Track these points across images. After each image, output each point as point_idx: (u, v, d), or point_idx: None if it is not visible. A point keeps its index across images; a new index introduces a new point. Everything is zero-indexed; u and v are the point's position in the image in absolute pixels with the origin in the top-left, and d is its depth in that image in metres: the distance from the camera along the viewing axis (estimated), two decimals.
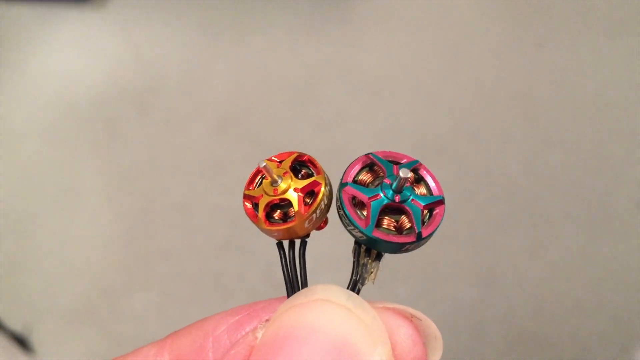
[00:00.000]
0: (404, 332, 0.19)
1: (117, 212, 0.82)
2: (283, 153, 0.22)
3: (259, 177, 0.23)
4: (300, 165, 0.22)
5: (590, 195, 0.77)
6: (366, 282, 0.21)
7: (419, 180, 0.22)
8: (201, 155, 0.85)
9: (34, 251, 0.80)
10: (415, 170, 0.22)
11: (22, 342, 0.73)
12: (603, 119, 0.82)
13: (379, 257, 0.21)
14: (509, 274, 0.73)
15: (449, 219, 0.81)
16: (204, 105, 0.90)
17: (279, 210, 0.22)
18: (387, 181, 0.21)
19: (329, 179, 0.22)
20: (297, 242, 0.22)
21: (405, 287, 0.72)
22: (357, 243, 0.21)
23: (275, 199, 0.21)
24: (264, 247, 0.74)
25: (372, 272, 0.21)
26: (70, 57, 0.97)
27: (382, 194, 0.21)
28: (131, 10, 1.00)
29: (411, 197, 0.21)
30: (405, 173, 0.20)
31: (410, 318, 0.19)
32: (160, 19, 1.00)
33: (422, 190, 0.21)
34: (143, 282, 0.77)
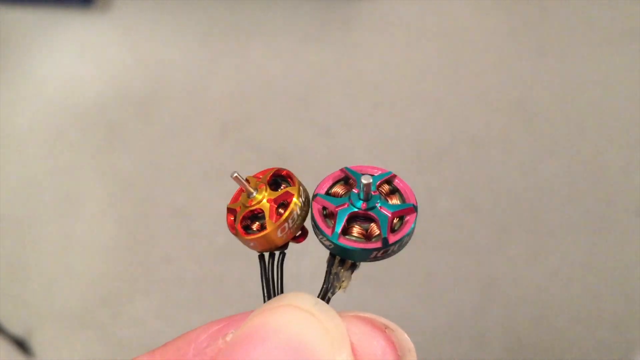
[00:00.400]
0: (375, 343, 0.19)
1: (119, 216, 0.82)
2: (263, 170, 0.24)
3: (242, 192, 0.24)
4: (281, 180, 0.23)
5: (590, 204, 0.77)
6: (337, 290, 0.21)
7: (393, 191, 0.22)
8: (202, 161, 0.85)
9: (36, 255, 0.80)
10: (389, 182, 0.22)
11: (22, 345, 0.73)
12: (604, 128, 0.83)
13: (353, 267, 0.22)
14: (509, 282, 0.73)
15: (449, 226, 0.81)
16: (206, 111, 0.90)
17: (257, 223, 0.22)
18: (355, 191, 0.21)
19: (305, 192, 0.23)
20: (277, 254, 0.23)
21: (404, 293, 0.72)
22: (332, 254, 0.22)
23: (251, 210, 0.22)
24: None
25: (343, 281, 0.21)
26: (73, 62, 0.98)
27: (349, 203, 0.21)
28: (135, 16, 1.01)
29: (379, 205, 0.21)
30: (366, 179, 0.20)
31: (383, 329, 0.19)
32: (164, 24, 1.00)
33: (395, 201, 0.22)
34: (143, 287, 0.77)
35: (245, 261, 0.76)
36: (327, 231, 0.21)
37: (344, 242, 0.21)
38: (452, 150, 0.82)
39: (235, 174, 0.22)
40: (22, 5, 1.02)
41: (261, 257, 0.23)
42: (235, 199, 0.24)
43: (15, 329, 0.73)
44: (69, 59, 0.98)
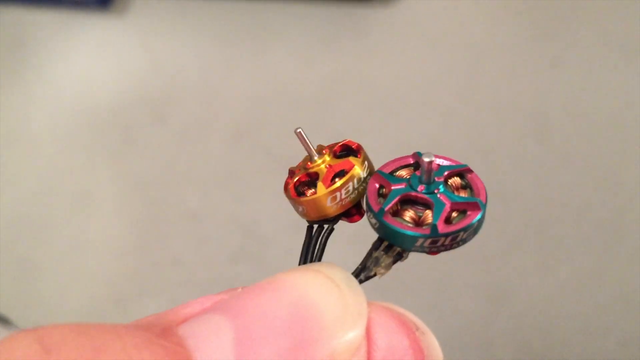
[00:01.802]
0: (398, 342, 0.17)
1: (131, 218, 0.83)
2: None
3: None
4: (349, 153, 0.22)
5: (602, 217, 0.77)
6: (371, 274, 0.20)
7: (465, 186, 0.21)
8: (215, 165, 0.86)
9: (49, 254, 0.80)
10: (461, 176, 0.21)
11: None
12: (617, 140, 0.82)
13: (398, 256, 0.20)
14: (519, 292, 0.73)
15: None
16: (219, 115, 0.90)
17: (313, 190, 0.21)
18: (417, 173, 0.20)
19: (371, 168, 0.21)
20: (325, 227, 0.22)
21: (413, 298, 0.72)
22: (379, 238, 0.20)
23: (307, 173, 0.21)
24: (276, 257, 0.74)
25: (382, 267, 0.20)
26: (89, 64, 0.99)
27: (407, 184, 0.20)
28: (151, 19, 1.02)
29: (440, 192, 0.20)
30: (428, 157, 0.19)
31: (413, 329, 0.18)
32: (180, 28, 1.01)
33: (462, 194, 0.20)
34: (154, 288, 0.77)
35: (255, 265, 0.76)
36: (375, 207, 0.19)
37: (389, 221, 0.19)
38: (464, 159, 0.82)
39: (299, 129, 0.21)
40: (39, 6, 1.03)
41: (309, 228, 0.22)
42: (300, 163, 0.23)
43: (26, 326, 0.74)
44: (85, 60, 0.99)
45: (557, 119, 0.85)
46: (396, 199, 0.19)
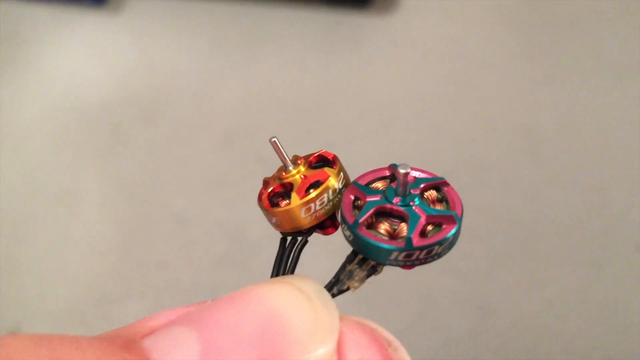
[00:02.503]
0: (370, 358, 0.16)
1: (117, 218, 0.82)
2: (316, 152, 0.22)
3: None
4: (325, 164, 0.22)
5: (590, 236, 0.77)
6: (344, 287, 0.19)
7: (441, 200, 0.20)
8: (204, 168, 0.85)
9: (30, 252, 0.79)
10: (437, 189, 0.21)
11: None
12: (607, 160, 0.83)
13: (372, 270, 0.20)
14: (505, 309, 0.72)
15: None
16: (210, 119, 0.90)
17: (287, 200, 0.21)
18: (393, 185, 0.20)
19: (346, 180, 0.21)
20: (299, 239, 0.21)
21: (399, 315, 0.71)
22: (353, 251, 0.20)
23: (282, 184, 0.21)
24: (262, 264, 0.74)
25: (355, 281, 0.19)
26: (81, 61, 0.98)
27: (382, 196, 0.19)
28: (146, 19, 1.01)
29: (416, 204, 0.19)
30: (404, 168, 0.18)
31: (385, 345, 0.17)
32: (175, 29, 1.01)
33: (439, 208, 0.20)
34: (137, 290, 0.76)
35: (241, 272, 0.75)
36: (349, 219, 0.19)
37: (363, 233, 0.19)
38: (453, 173, 0.82)
39: (274, 139, 0.21)
40: (32, 1, 1.02)
41: (283, 240, 0.22)
42: (275, 173, 0.22)
43: (4, 323, 0.73)
44: (77, 57, 0.98)
45: (547, 136, 0.85)
46: (371, 211, 0.19)
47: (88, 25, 1.01)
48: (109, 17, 1.01)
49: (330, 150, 0.23)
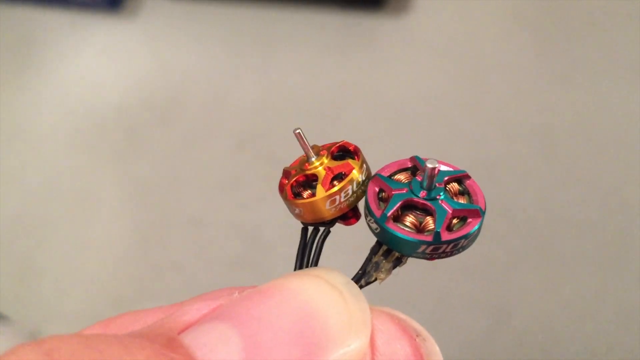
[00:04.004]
0: (399, 347, 0.17)
1: (133, 221, 0.83)
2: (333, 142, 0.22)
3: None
4: (346, 154, 0.22)
5: (607, 236, 0.76)
6: (372, 279, 0.20)
7: (462, 192, 0.21)
8: (219, 171, 0.85)
9: (48, 255, 0.80)
10: (459, 181, 0.21)
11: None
12: (623, 160, 0.82)
13: (397, 262, 0.20)
14: (522, 310, 0.72)
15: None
16: (225, 121, 0.90)
17: (309, 191, 0.21)
18: (418, 178, 0.20)
19: (368, 172, 0.21)
20: (321, 230, 0.21)
21: (415, 315, 0.71)
22: (378, 242, 0.20)
23: (306, 175, 0.21)
24: (277, 265, 0.74)
25: (382, 272, 0.20)
26: (97, 65, 0.99)
27: (408, 189, 0.19)
28: (161, 23, 1.02)
29: (441, 198, 0.19)
30: (432, 163, 0.19)
31: (413, 335, 0.17)
32: (189, 33, 1.01)
33: (461, 201, 0.20)
34: (153, 292, 0.77)
35: (256, 273, 0.76)
36: (377, 212, 0.19)
37: (391, 227, 0.19)
38: (469, 173, 0.81)
39: (298, 130, 0.20)
40: (48, 6, 1.03)
41: (304, 229, 0.21)
42: (295, 163, 0.22)
43: (25, 325, 0.73)
44: (93, 61, 0.99)
45: (563, 136, 0.85)
46: (398, 205, 0.19)
47: (103, 29, 1.02)
48: (124, 21, 1.02)
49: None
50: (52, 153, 0.89)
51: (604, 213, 0.78)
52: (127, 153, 0.88)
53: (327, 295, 0.16)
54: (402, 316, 0.18)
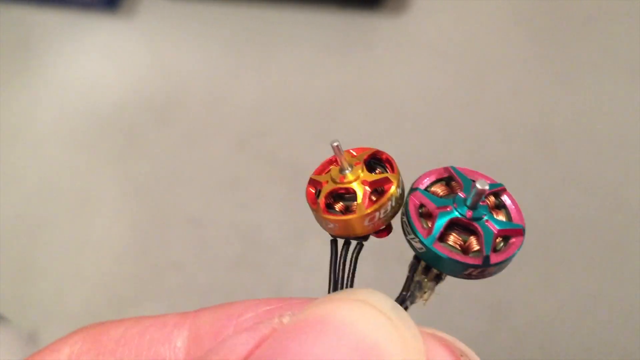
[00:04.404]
0: None
1: (132, 221, 0.82)
2: (363, 148, 0.21)
3: (331, 166, 0.21)
4: (376, 163, 0.21)
5: (605, 236, 0.76)
6: (416, 300, 0.19)
7: (499, 206, 0.20)
8: (218, 171, 0.85)
9: (47, 255, 0.80)
10: (496, 195, 0.20)
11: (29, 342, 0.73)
12: (622, 160, 0.82)
13: (437, 278, 0.19)
14: (520, 309, 0.72)
15: None
16: (224, 121, 0.90)
17: (341, 202, 0.20)
18: (461, 195, 0.19)
19: (402, 184, 0.20)
20: (353, 243, 0.20)
21: (413, 315, 0.71)
22: (417, 258, 0.19)
23: (340, 188, 0.19)
24: (276, 266, 0.74)
25: (425, 292, 0.19)
26: (95, 65, 0.99)
27: (452, 207, 0.18)
28: (159, 23, 1.02)
29: (486, 218, 0.18)
30: (482, 184, 0.18)
31: (459, 355, 0.17)
32: (187, 33, 1.01)
33: (501, 217, 0.19)
34: (152, 292, 0.77)
35: (256, 273, 0.76)
36: (422, 232, 0.18)
37: (439, 249, 0.18)
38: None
39: (337, 143, 0.19)
40: (45, 6, 1.03)
41: (334, 241, 0.20)
42: (320, 170, 0.21)
43: (24, 326, 0.73)
44: (91, 62, 0.99)
45: (562, 136, 0.85)
46: (445, 225, 0.18)
47: (101, 30, 1.02)
48: (122, 21, 1.02)
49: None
50: (51, 153, 0.89)
51: (602, 212, 0.78)
52: (126, 153, 0.88)
53: (381, 326, 0.15)
54: (447, 337, 0.18)
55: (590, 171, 0.81)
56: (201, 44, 1.00)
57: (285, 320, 0.16)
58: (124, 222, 0.82)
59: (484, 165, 0.82)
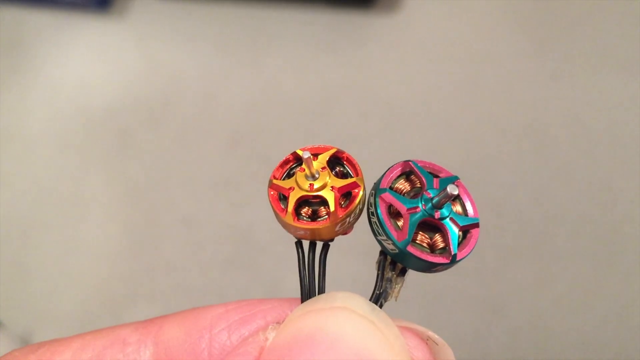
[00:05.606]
0: (419, 356, 0.17)
1: (124, 222, 0.82)
2: (320, 146, 0.21)
3: (289, 166, 0.21)
4: (336, 162, 0.21)
5: (599, 233, 0.76)
6: (389, 298, 0.20)
7: (454, 198, 0.20)
8: (210, 171, 0.85)
9: (40, 257, 0.80)
10: None
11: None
12: (615, 157, 0.82)
13: (403, 272, 0.20)
14: (514, 305, 0.72)
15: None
16: (216, 121, 0.90)
17: (307, 207, 0.20)
18: (427, 194, 0.19)
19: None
20: (319, 244, 0.20)
21: (408, 313, 0.71)
22: (383, 254, 0.20)
23: (309, 196, 0.19)
24: (269, 265, 0.74)
25: (396, 288, 0.20)
26: (86, 66, 0.98)
27: (421, 207, 0.19)
28: (150, 23, 1.01)
29: (450, 216, 0.19)
30: (452, 189, 0.18)
31: (426, 340, 0.18)
32: (179, 33, 1.01)
33: (457, 208, 0.20)
34: (146, 293, 0.77)
35: (249, 273, 0.75)
36: (396, 235, 0.18)
37: (412, 250, 0.18)
38: (461, 172, 0.81)
39: (308, 155, 0.19)
40: (37, 6, 1.02)
41: (299, 243, 0.20)
42: (280, 173, 0.21)
43: (17, 329, 0.73)
44: (82, 62, 0.99)
45: (555, 133, 0.85)
46: (416, 226, 0.19)
47: (92, 30, 1.01)
48: (113, 21, 1.02)
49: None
50: (42, 154, 0.89)
51: (597, 209, 0.78)
52: (118, 154, 0.88)
53: (370, 335, 0.15)
54: (415, 326, 0.18)
55: (583, 168, 0.81)
56: (193, 44, 1.00)
57: (271, 336, 0.16)
58: (116, 223, 0.82)
59: (478, 163, 0.82)
